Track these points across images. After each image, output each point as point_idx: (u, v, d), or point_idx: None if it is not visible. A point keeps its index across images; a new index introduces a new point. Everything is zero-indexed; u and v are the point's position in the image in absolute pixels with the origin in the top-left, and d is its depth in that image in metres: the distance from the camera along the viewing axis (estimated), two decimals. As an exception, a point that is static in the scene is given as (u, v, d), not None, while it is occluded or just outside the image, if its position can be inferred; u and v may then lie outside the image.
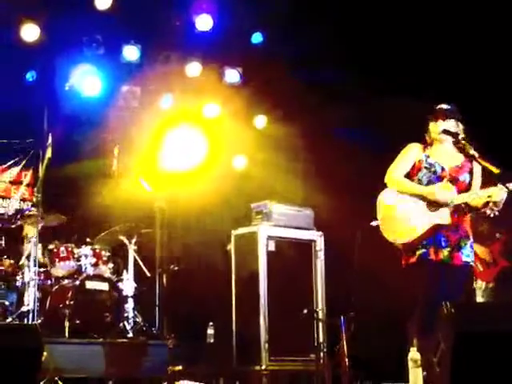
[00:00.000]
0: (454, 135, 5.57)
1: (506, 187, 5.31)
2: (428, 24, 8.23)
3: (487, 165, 5.42)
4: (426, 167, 5.56)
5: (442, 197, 5.40)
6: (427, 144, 5.70)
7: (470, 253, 5.49)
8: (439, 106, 5.71)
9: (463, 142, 5.53)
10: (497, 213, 6.05)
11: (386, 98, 7.98)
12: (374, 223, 5.62)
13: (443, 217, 5.41)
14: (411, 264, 5.42)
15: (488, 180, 5.51)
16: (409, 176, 5.58)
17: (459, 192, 5.46)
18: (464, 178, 5.57)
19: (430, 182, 5.52)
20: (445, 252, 5.39)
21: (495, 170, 5.34)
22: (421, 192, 5.45)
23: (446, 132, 5.58)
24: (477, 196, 5.43)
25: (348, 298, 8.08)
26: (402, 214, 5.45)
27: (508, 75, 7.79)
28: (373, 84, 8.37)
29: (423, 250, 5.38)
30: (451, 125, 5.60)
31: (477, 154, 5.47)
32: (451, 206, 5.41)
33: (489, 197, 5.34)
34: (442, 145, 5.65)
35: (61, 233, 8.30)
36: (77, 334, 7.34)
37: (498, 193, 5.30)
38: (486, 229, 7.34)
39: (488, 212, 5.61)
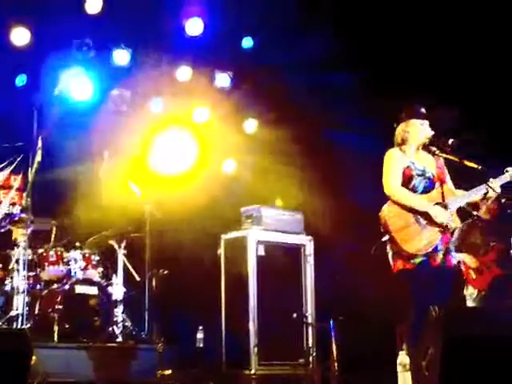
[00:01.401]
0: (440, 139, 5.63)
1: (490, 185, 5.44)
2: (419, 26, 8.26)
3: (469, 163, 5.53)
4: (418, 174, 5.54)
5: (439, 219, 5.42)
6: (398, 145, 5.69)
7: (455, 255, 5.60)
8: (423, 109, 5.73)
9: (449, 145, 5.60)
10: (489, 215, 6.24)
11: (380, 101, 7.99)
12: (384, 238, 5.57)
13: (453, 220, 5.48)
14: (406, 270, 5.40)
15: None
16: (402, 185, 5.54)
17: (446, 192, 5.52)
18: (447, 178, 5.65)
19: (425, 189, 5.53)
20: (440, 255, 5.42)
21: (476, 166, 5.47)
22: (424, 209, 5.43)
23: (434, 136, 5.62)
24: (474, 194, 5.51)
25: (338, 302, 8.11)
26: (419, 222, 5.45)
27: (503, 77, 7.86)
28: (366, 87, 8.38)
29: (423, 258, 5.38)
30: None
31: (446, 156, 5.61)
32: (454, 209, 5.47)
33: (489, 188, 5.42)
34: (420, 148, 5.67)
35: (50, 237, 8.28)
36: (66, 338, 7.32)
37: (496, 184, 5.42)
38: (479, 239, 7.41)
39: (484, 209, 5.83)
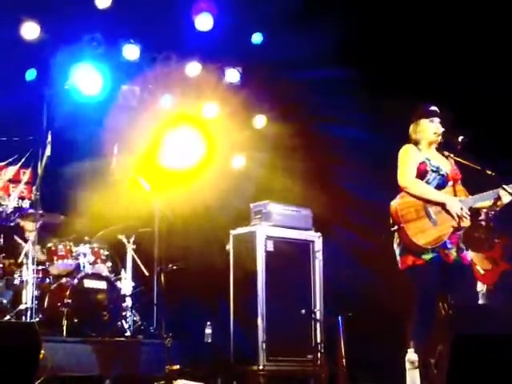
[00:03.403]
0: (450, 136, 5.64)
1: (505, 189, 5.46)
2: (425, 24, 8.25)
3: (481, 168, 5.56)
4: (433, 170, 5.57)
5: (453, 210, 5.43)
6: (414, 144, 5.71)
7: (468, 253, 5.59)
8: (432, 107, 5.74)
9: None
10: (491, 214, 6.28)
11: (386, 97, 7.98)
12: (393, 228, 5.57)
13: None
14: (417, 266, 5.41)
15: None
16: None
17: (459, 191, 5.53)
18: (460, 178, 5.67)
19: (438, 186, 5.55)
20: (453, 252, 5.43)
21: (490, 172, 5.50)
22: (440, 200, 5.46)
23: (444, 134, 5.64)
24: (487, 197, 5.53)
25: (346, 298, 8.11)
26: (430, 217, 5.46)
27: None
28: (372, 84, 8.37)
29: (434, 254, 5.39)
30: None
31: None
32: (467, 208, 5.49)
33: (498, 198, 5.46)
34: (433, 146, 5.69)
35: (59, 231, 8.30)
36: (74, 332, 7.34)
37: (506, 195, 5.43)
38: (483, 234, 7.44)
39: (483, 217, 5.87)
